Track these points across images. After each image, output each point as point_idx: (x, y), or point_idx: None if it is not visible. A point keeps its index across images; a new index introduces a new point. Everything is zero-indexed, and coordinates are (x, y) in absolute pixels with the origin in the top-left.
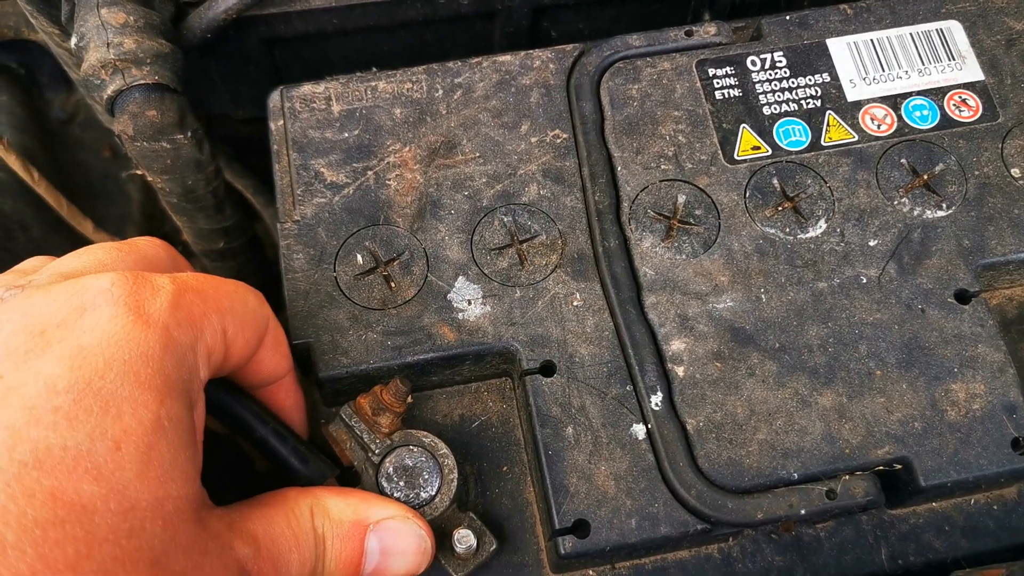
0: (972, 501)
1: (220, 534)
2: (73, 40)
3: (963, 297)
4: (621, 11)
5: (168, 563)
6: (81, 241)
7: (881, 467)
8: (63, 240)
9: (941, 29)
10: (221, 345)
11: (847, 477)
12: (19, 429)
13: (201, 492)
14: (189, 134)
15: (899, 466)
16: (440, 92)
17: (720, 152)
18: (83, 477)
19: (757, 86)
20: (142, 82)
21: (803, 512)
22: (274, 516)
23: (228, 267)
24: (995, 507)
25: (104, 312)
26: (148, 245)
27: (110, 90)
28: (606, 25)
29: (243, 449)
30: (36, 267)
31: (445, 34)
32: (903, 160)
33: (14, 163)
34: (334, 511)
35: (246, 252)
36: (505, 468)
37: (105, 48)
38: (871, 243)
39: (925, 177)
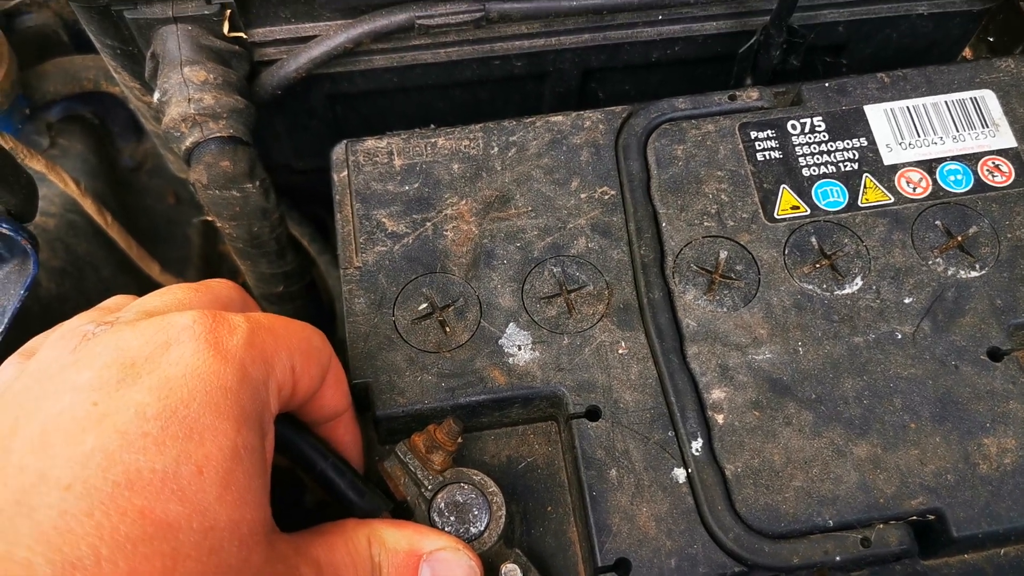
0: (1002, 553)
1: (287, 557)
2: (156, 95)
3: (995, 355)
4: (667, 74)
5: None
6: (147, 282)
7: (914, 517)
8: (130, 281)
9: (975, 98)
10: (289, 380)
11: (881, 526)
12: (112, 452)
13: (270, 517)
14: (257, 183)
15: (932, 516)
16: (496, 149)
17: (761, 211)
18: (169, 498)
19: (797, 149)
20: (218, 135)
21: (838, 559)
22: (335, 544)
23: (286, 310)
24: None
25: (187, 347)
26: (221, 287)
27: (188, 142)
28: (652, 87)
29: (296, 485)
30: (120, 305)
31: (498, 93)
32: (938, 222)
33: (89, 207)
34: (390, 541)
35: (303, 297)
36: (549, 508)
37: (186, 103)
38: (906, 300)
39: (959, 239)
